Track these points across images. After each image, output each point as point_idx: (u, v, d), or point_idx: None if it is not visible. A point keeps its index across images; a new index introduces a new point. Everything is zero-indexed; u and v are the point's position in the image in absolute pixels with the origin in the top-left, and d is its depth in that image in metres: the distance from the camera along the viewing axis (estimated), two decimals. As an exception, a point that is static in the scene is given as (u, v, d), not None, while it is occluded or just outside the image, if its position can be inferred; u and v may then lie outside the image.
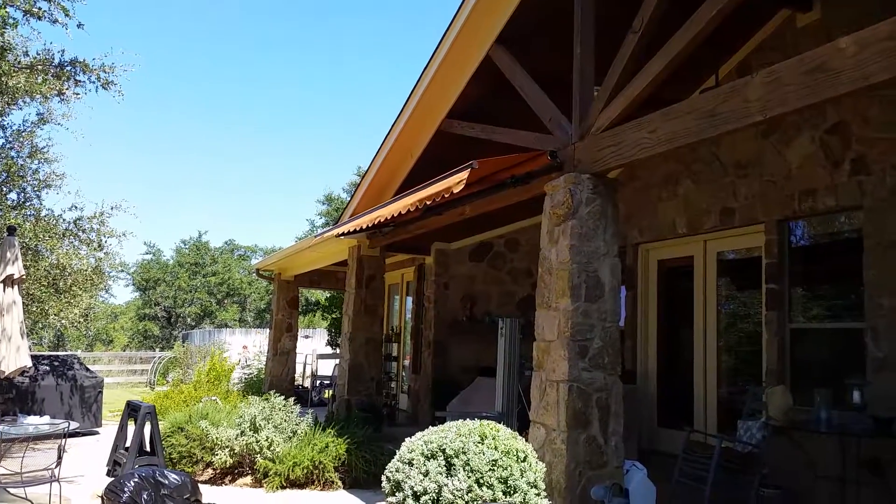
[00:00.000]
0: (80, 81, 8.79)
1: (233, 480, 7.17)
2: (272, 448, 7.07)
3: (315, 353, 17.79)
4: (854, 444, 5.65)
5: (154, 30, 67.46)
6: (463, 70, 6.81)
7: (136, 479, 5.60)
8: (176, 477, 5.80)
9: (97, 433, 10.41)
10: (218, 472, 7.23)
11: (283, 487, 6.83)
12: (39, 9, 8.06)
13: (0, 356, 7.00)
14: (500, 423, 4.74)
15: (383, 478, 4.49)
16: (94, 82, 8.84)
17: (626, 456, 5.23)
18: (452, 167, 5.58)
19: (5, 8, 7.64)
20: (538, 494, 4.31)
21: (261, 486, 6.93)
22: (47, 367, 10.38)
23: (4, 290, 7.16)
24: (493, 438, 4.38)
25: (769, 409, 6.21)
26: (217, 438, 7.19)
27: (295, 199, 77.06)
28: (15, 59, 8.43)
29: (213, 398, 10.21)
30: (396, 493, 4.28)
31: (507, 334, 8.23)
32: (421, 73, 7.10)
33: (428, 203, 5.88)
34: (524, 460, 4.37)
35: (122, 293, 50.77)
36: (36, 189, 10.37)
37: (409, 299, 13.01)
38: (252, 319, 40.34)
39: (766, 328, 7.09)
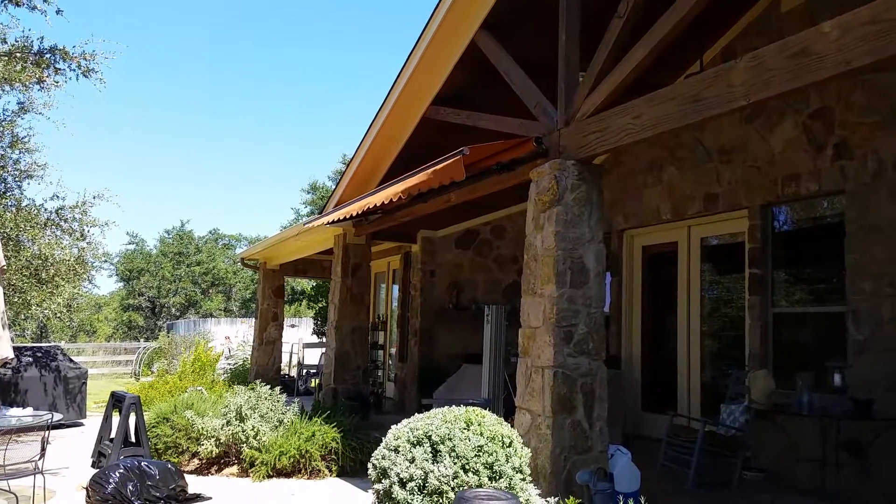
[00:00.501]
0: (60, 69, 8.69)
1: (219, 470, 7.15)
2: (258, 437, 7.06)
3: (301, 342, 17.72)
4: (834, 427, 5.72)
5: (135, 19, 66.65)
6: (448, 56, 6.78)
7: (121, 470, 5.58)
8: (161, 467, 5.78)
9: (82, 424, 10.34)
10: (204, 462, 7.20)
11: (269, 476, 6.81)
12: (18, -6, 7.95)
13: (-19, 347, 6.91)
14: (486, 409, 4.75)
15: (369, 465, 4.50)
16: (74, 70, 8.74)
17: (610, 440, 5.26)
18: (438, 154, 5.56)
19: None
20: (524, 479, 4.33)
21: (247, 476, 6.91)
22: (30, 359, 10.28)
23: (-15, 281, 7.06)
24: (479, 425, 4.39)
25: (752, 392, 6.27)
26: (203, 428, 7.17)
27: (279, 188, 76.59)
28: (-7, 47, 8.32)
29: (199, 388, 10.16)
30: (383, 480, 4.29)
31: (493, 321, 8.24)
32: (406, 58, 7.06)
33: (421, 190, 5.85)
34: (509, 446, 4.39)
35: (105, 284, 50.50)
36: (17, 179, 10.26)
37: (396, 287, 13.00)
38: (237, 309, 40.20)
39: (749, 313, 7.15)
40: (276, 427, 7.27)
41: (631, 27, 4.81)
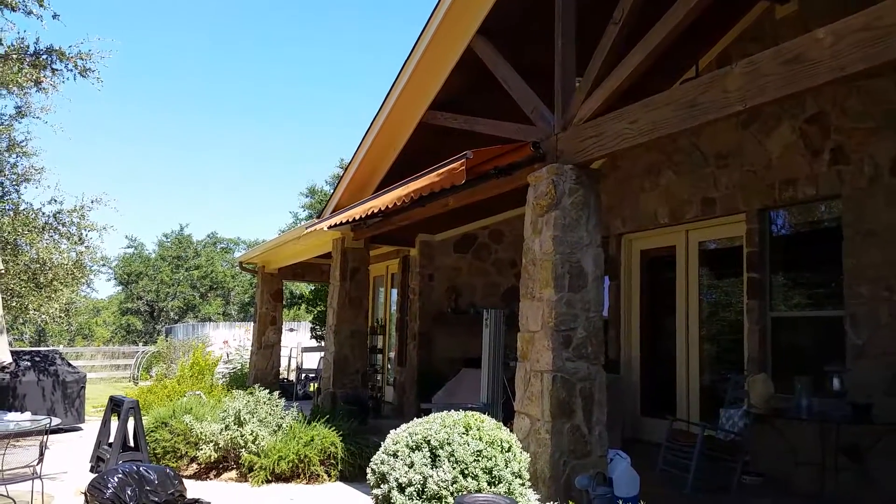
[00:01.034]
0: (57, 70, 8.69)
1: (218, 475, 7.14)
2: (257, 442, 7.06)
3: (300, 346, 17.72)
4: (833, 431, 5.73)
5: (131, 21, 66.68)
6: (445, 61, 6.80)
7: (119, 475, 5.57)
8: (160, 472, 5.77)
9: (80, 429, 10.33)
10: (202, 466, 7.20)
11: (268, 481, 6.81)
12: (13, -1, 7.96)
13: (-20, 352, 6.91)
14: (485, 414, 4.77)
15: (368, 470, 4.50)
16: (71, 70, 8.75)
17: (610, 445, 5.26)
18: (435, 159, 5.58)
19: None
20: (522, 484, 4.34)
21: (246, 481, 6.91)
22: (28, 363, 10.27)
23: (-17, 286, 7.07)
24: (478, 429, 4.40)
25: (751, 397, 6.28)
26: (201, 433, 7.17)
27: (278, 192, 76.61)
28: (-11, 51, 8.33)
29: (197, 392, 10.16)
30: (382, 485, 4.29)
31: (492, 325, 8.24)
32: (403, 63, 7.08)
33: (424, 194, 5.85)
34: (508, 450, 4.39)
35: (104, 287, 50.35)
36: (14, 183, 10.26)
37: (394, 291, 13.00)
38: (236, 313, 40.16)
39: (748, 317, 7.16)
40: (275, 431, 7.28)
41: (627, 33, 4.83)
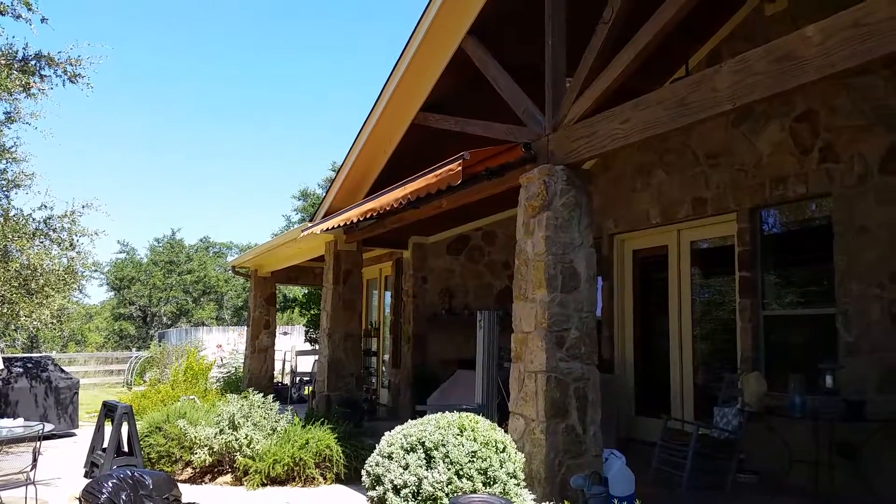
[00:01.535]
0: (46, 76, 8.64)
1: (213, 479, 7.12)
2: (252, 446, 7.04)
3: (294, 349, 17.69)
4: (827, 429, 5.76)
5: (123, 27, 66.48)
6: (436, 62, 6.80)
7: (114, 480, 5.54)
8: (155, 477, 5.75)
9: (74, 434, 10.29)
10: (197, 470, 7.18)
11: (263, 485, 6.80)
12: (1, 3, 7.91)
13: (-29, 359, 6.88)
14: (479, 415, 4.76)
15: (363, 472, 4.50)
16: (60, 76, 8.70)
17: (604, 445, 5.27)
18: (427, 160, 5.59)
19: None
20: (518, 485, 4.34)
21: (241, 484, 6.89)
22: (20, 369, 10.22)
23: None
24: (473, 430, 4.40)
25: (744, 395, 6.31)
26: (196, 437, 7.15)
27: (270, 196, 76.46)
28: (-23, 56, 8.29)
29: (192, 397, 10.13)
30: (377, 487, 4.29)
31: (486, 327, 8.25)
32: (394, 65, 7.08)
33: (421, 195, 5.86)
34: (503, 451, 4.40)
35: (96, 293, 50.14)
36: (4, 189, 10.19)
37: (388, 294, 12.99)
38: (230, 317, 40.04)
39: (740, 315, 7.18)
40: (270, 435, 7.26)
41: (616, 32, 4.85)
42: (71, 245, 10.47)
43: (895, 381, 5.72)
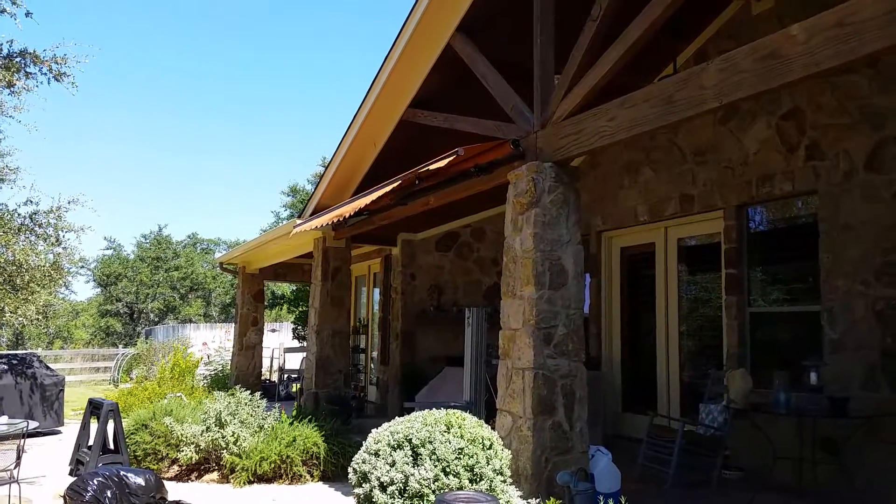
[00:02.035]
0: (31, 73, 8.56)
1: (199, 476, 7.10)
2: (238, 443, 7.02)
3: (282, 346, 17.65)
4: (811, 425, 5.80)
5: (107, 19, 65.99)
6: (425, 59, 6.79)
7: (99, 478, 5.51)
8: (140, 474, 5.73)
9: (59, 432, 10.22)
10: (184, 468, 7.15)
11: (250, 482, 6.78)
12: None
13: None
14: (468, 412, 4.77)
15: (350, 469, 4.49)
16: (45, 74, 8.63)
17: (591, 441, 5.29)
18: (415, 158, 5.58)
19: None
20: (504, 481, 4.35)
21: (228, 482, 6.87)
22: (5, 366, 10.15)
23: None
24: (459, 427, 4.40)
25: (730, 392, 6.34)
26: (182, 435, 7.12)
27: (259, 191, 76.16)
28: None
29: (178, 394, 10.08)
30: (363, 485, 4.28)
31: (475, 323, 8.25)
32: (382, 61, 7.06)
33: (420, 187, 5.84)
34: (490, 448, 4.40)
35: (82, 289, 49.80)
36: (-12, 184, 10.11)
37: (377, 290, 12.97)
38: (217, 314, 39.88)
39: (727, 312, 7.22)
40: (257, 432, 7.24)
41: (605, 30, 4.85)
42: (57, 241, 10.40)
43: (878, 378, 5.77)
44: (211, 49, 70.98)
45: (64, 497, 5.61)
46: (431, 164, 5.51)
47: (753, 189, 6.96)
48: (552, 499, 4.35)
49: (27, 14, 8.03)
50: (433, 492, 4.05)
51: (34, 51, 8.52)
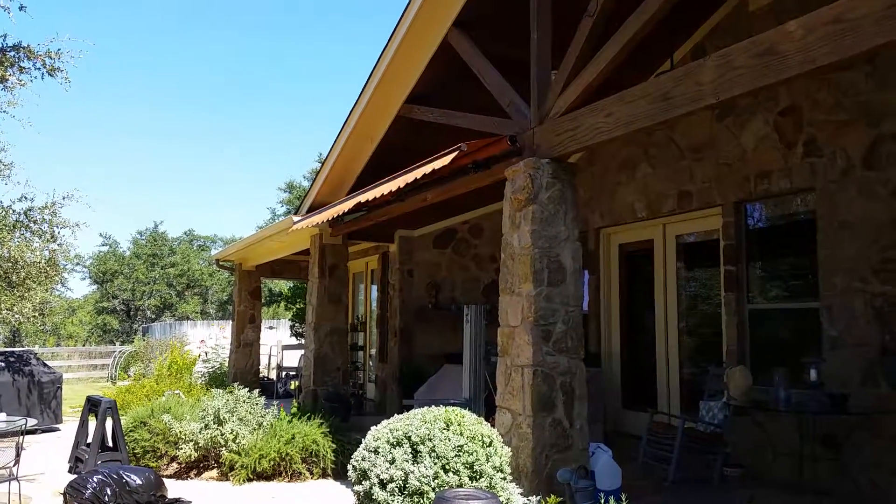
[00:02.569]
0: (24, 68, 8.50)
1: (198, 474, 7.09)
2: (237, 441, 7.02)
3: (280, 344, 17.64)
4: (811, 422, 5.81)
5: (101, 14, 65.79)
6: (421, 54, 6.78)
7: (98, 476, 5.52)
8: (140, 472, 5.73)
9: (58, 430, 10.22)
10: (183, 466, 7.15)
11: (249, 480, 6.78)
12: (-23, -9, 7.79)
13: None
14: (467, 409, 4.77)
15: (349, 467, 4.49)
16: (39, 69, 8.56)
17: (591, 438, 5.30)
18: (411, 154, 5.58)
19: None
20: (504, 478, 4.35)
21: (227, 480, 6.87)
22: (2, 364, 10.14)
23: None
24: (459, 424, 4.40)
25: (729, 389, 6.34)
26: (181, 432, 7.11)
27: (255, 188, 75.99)
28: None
29: (176, 392, 10.08)
30: (363, 482, 4.28)
31: (473, 320, 8.26)
32: (379, 56, 7.05)
33: (420, 183, 5.83)
34: (490, 445, 4.40)
35: (79, 286, 49.74)
36: (-19, 179, 10.07)
37: (374, 288, 12.96)
38: (214, 311, 39.86)
39: (725, 309, 7.22)
40: (256, 430, 7.24)
41: (602, 26, 4.85)
42: (52, 237, 10.37)
43: (877, 375, 5.77)
44: (208, 45, 70.81)
45: (64, 494, 5.61)
46: (434, 160, 5.49)
47: (751, 186, 6.96)
48: (552, 496, 4.35)
49: (21, 7, 7.98)
50: (433, 489, 4.05)
51: (28, 45, 8.46)
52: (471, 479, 4.17)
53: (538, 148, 5.28)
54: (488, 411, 7.09)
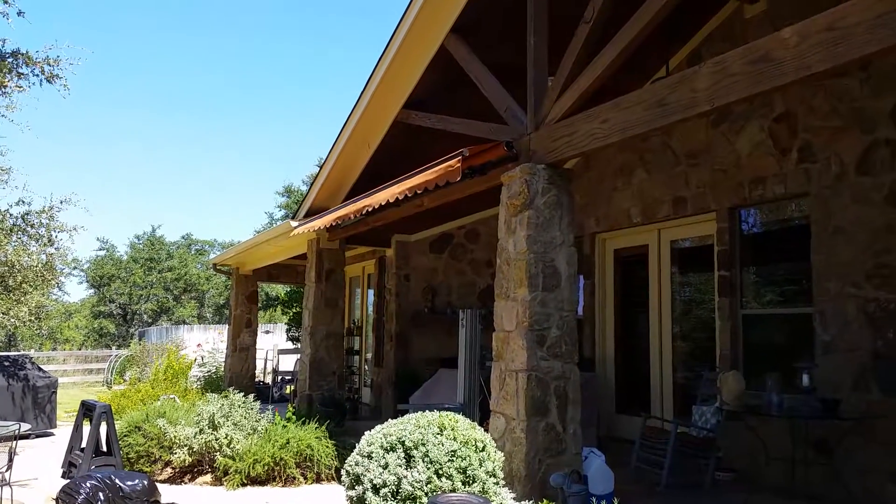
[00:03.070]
0: (23, 74, 8.49)
1: (192, 479, 7.08)
2: (232, 445, 7.00)
3: (276, 348, 17.59)
4: (803, 427, 5.82)
5: (100, 19, 65.80)
6: (419, 60, 6.80)
7: (92, 481, 5.49)
8: (133, 477, 5.71)
9: (52, 434, 10.18)
10: (177, 470, 7.14)
11: (243, 485, 6.76)
12: (-25, -3, 7.78)
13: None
14: (461, 414, 4.77)
15: (343, 472, 4.48)
16: (38, 75, 8.54)
17: (584, 443, 5.30)
18: (409, 159, 5.59)
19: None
20: (497, 483, 4.35)
21: (221, 484, 6.85)
22: (-3, 368, 10.11)
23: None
24: (452, 429, 4.40)
25: (723, 393, 6.35)
26: (175, 437, 7.10)
27: (253, 192, 75.98)
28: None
29: (172, 396, 10.06)
30: (356, 487, 4.28)
31: (468, 325, 8.26)
32: (377, 62, 7.07)
33: (419, 192, 5.84)
34: (483, 450, 4.40)
35: (76, 290, 49.63)
36: (-22, 184, 10.04)
37: (371, 292, 12.97)
38: (211, 316, 39.81)
39: (719, 314, 7.24)
40: (251, 434, 7.23)
41: (598, 32, 4.87)
42: (49, 241, 10.33)
43: (870, 380, 5.79)
44: (207, 49, 70.84)
45: (56, 500, 5.58)
46: (436, 165, 5.50)
47: (746, 191, 6.99)
48: (545, 501, 4.36)
49: (19, 13, 7.98)
50: (426, 494, 4.05)
51: (27, 51, 8.45)
52: (464, 483, 4.17)
53: (534, 153, 5.30)
54: (483, 416, 7.08)
